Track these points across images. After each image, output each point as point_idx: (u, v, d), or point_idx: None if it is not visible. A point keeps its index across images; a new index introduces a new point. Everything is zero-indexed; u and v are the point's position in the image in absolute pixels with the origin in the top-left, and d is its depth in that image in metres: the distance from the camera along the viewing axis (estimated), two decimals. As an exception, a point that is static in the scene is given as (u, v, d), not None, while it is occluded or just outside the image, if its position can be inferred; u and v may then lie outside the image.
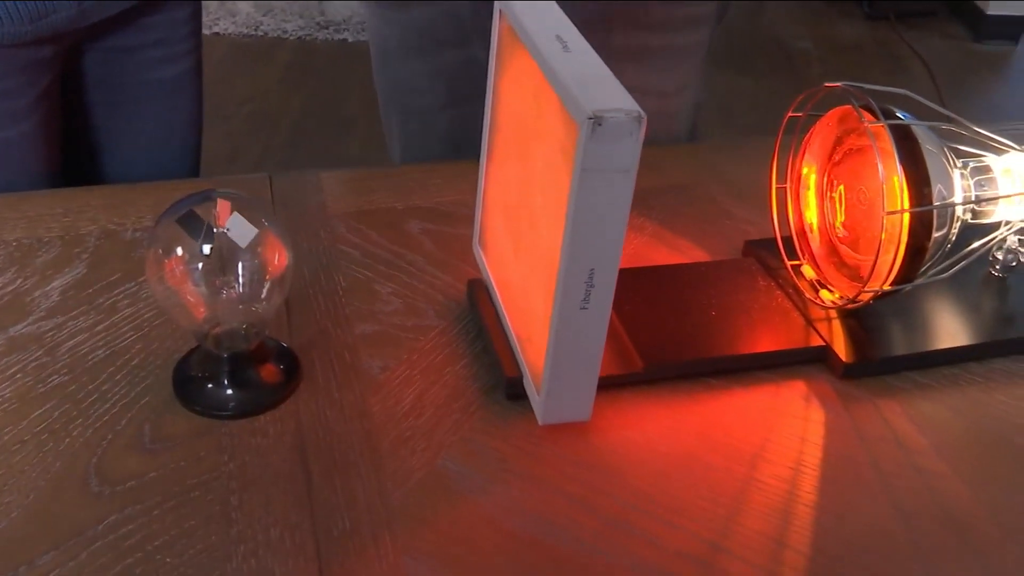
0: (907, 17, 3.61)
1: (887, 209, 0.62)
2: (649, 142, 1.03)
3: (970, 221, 0.68)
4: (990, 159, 0.70)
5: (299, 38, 2.99)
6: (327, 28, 3.01)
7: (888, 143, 0.62)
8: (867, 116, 0.64)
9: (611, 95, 0.50)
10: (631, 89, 1.07)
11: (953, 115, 0.69)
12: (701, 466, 0.60)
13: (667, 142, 1.02)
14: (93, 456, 0.58)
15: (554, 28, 0.57)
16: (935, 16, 3.71)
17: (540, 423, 0.60)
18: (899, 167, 0.61)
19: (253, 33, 2.99)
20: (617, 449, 0.61)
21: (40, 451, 0.58)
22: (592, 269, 0.53)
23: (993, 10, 3.51)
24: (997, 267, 0.75)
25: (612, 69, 1.03)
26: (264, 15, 3.02)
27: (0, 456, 0.57)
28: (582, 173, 0.50)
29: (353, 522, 0.55)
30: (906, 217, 0.62)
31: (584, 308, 0.55)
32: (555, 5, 0.61)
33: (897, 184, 0.62)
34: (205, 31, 2.98)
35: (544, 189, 0.57)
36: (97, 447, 0.58)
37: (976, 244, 0.69)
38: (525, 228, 0.61)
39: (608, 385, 0.64)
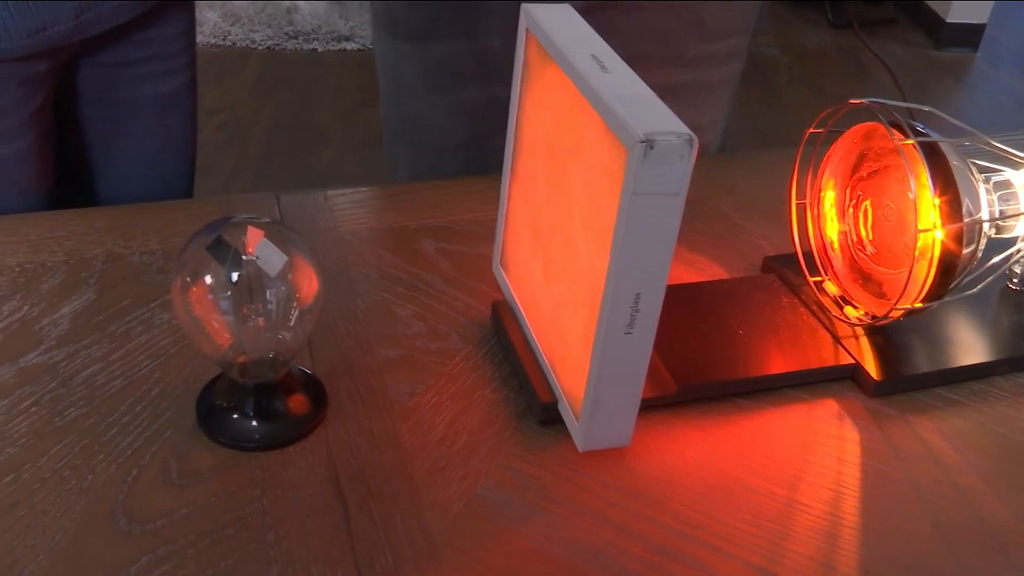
0: (870, 25, 3.66)
1: (920, 227, 0.61)
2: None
3: (993, 236, 0.68)
4: (1008, 173, 0.70)
5: (268, 48, 2.96)
6: (296, 38, 2.98)
7: (917, 160, 0.62)
8: (896, 133, 0.63)
9: (660, 117, 0.49)
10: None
11: (974, 130, 0.69)
12: (742, 489, 0.59)
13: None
14: (119, 493, 0.55)
15: (588, 48, 0.57)
16: (896, 23, 3.76)
17: (580, 449, 0.59)
18: (931, 184, 0.61)
19: (221, 43, 2.95)
20: (657, 474, 0.60)
21: (63, 489, 0.55)
22: (638, 294, 0.52)
23: (953, 18, 3.57)
24: (1015, 280, 0.75)
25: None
26: (232, 24, 2.99)
27: (21, 495, 0.55)
28: (632, 197, 0.49)
29: (396, 557, 0.53)
30: (938, 234, 0.62)
31: (629, 333, 0.54)
32: (583, 22, 0.60)
33: (928, 201, 0.61)
34: (171, 41, 2.95)
35: (584, 212, 0.56)
36: (123, 483, 0.56)
37: (998, 259, 0.69)
38: (558, 250, 0.60)
39: (642, 408, 0.63)
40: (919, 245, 0.62)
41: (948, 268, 0.63)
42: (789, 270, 0.74)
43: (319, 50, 2.98)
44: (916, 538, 0.57)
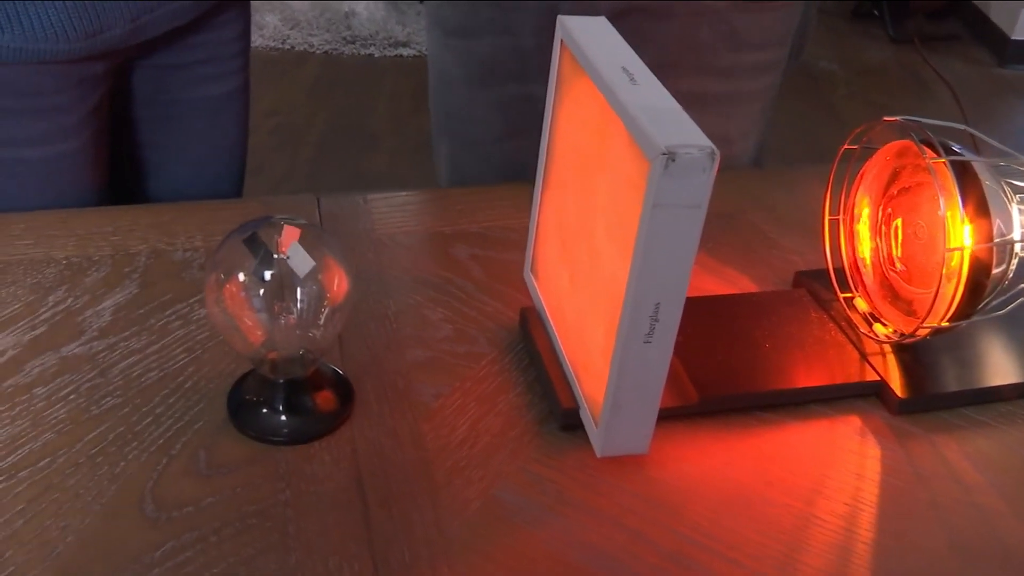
0: (931, 40, 3.61)
1: (949, 245, 0.61)
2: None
3: (1026, 257, 0.67)
4: (1045, 194, 0.70)
5: (326, 52, 3.01)
6: (353, 43, 3.02)
7: (948, 178, 0.62)
8: (928, 152, 0.63)
9: (683, 130, 0.50)
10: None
11: (1010, 151, 0.68)
12: (758, 501, 0.59)
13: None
14: (148, 480, 0.57)
15: (619, 60, 0.57)
16: (959, 40, 3.70)
17: (598, 455, 0.59)
18: (960, 203, 0.61)
19: (280, 47, 3.01)
20: (673, 482, 0.60)
21: (95, 474, 0.58)
22: (658, 304, 0.53)
23: (1018, 34, 3.51)
24: (1051, 303, 0.74)
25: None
26: (291, 28, 3.04)
27: (55, 479, 0.57)
28: (653, 209, 0.50)
29: (412, 553, 0.54)
30: (967, 253, 0.61)
31: (648, 342, 0.54)
32: (617, 34, 0.61)
33: (958, 220, 0.61)
34: (232, 44, 3.01)
35: (608, 221, 0.56)
36: (152, 471, 0.58)
37: (1033, 280, 0.69)
38: (584, 259, 0.61)
39: (663, 417, 0.64)
40: (948, 264, 0.62)
41: (977, 288, 0.63)
42: (820, 286, 0.74)
43: (375, 55, 3.02)
44: (931, 556, 0.57)
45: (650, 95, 0.54)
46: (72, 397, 0.63)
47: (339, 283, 0.60)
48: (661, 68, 0.93)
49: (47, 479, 0.57)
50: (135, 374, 0.65)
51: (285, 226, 0.59)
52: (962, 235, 0.61)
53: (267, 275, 0.58)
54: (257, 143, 2.66)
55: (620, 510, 0.58)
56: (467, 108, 1.01)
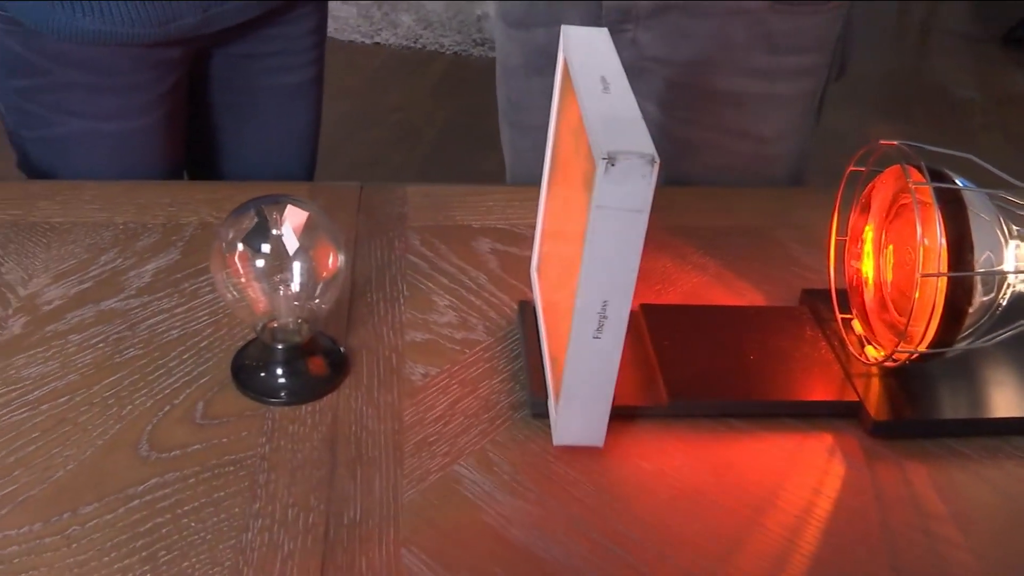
0: (1087, 73, 3.42)
1: (923, 271, 0.62)
2: (742, 184, 1.04)
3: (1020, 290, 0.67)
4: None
5: (455, 53, 3.09)
6: (483, 45, 3.10)
7: (930, 204, 0.62)
8: (915, 176, 0.64)
9: (631, 137, 0.53)
10: (728, 132, 1.08)
11: (1018, 183, 0.67)
12: (707, 503, 0.61)
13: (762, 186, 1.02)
14: (148, 424, 0.64)
15: (601, 69, 0.60)
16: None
17: (554, 443, 0.63)
18: (939, 229, 0.61)
19: (412, 45, 3.11)
20: (628, 477, 0.63)
21: (104, 414, 0.64)
22: (605, 301, 0.56)
23: None
24: (1061, 341, 0.72)
25: (711, 112, 1.05)
26: (424, 28, 3.14)
27: (70, 414, 0.64)
28: (595, 210, 0.53)
29: (364, 512, 0.59)
30: (943, 281, 0.62)
31: (597, 338, 0.57)
32: (611, 46, 0.64)
33: (935, 248, 0.61)
34: (366, 40, 3.13)
35: (577, 222, 0.59)
36: (154, 416, 0.64)
37: (1032, 316, 0.68)
38: (565, 257, 0.64)
39: (632, 415, 0.66)
40: (922, 290, 0.62)
41: (955, 316, 0.63)
42: (823, 304, 0.75)
43: (503, 59, 3.08)
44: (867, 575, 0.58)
45: (616, 104, 0.57)
46: (100, 345, 0.70)
47: (332, 259, 0.65)
48: (697, 65, 0.96)
49: (63, 414, 0.64)
50: (159, 330, 0.72)
51: (288, 205, 0.64)
52: (938, 262, 0.61)
53: (264, 248, 0.63)
54: (379, 136, 2.76)
55: (568, 498, 0.61)
56: (526, 96, 1.06)
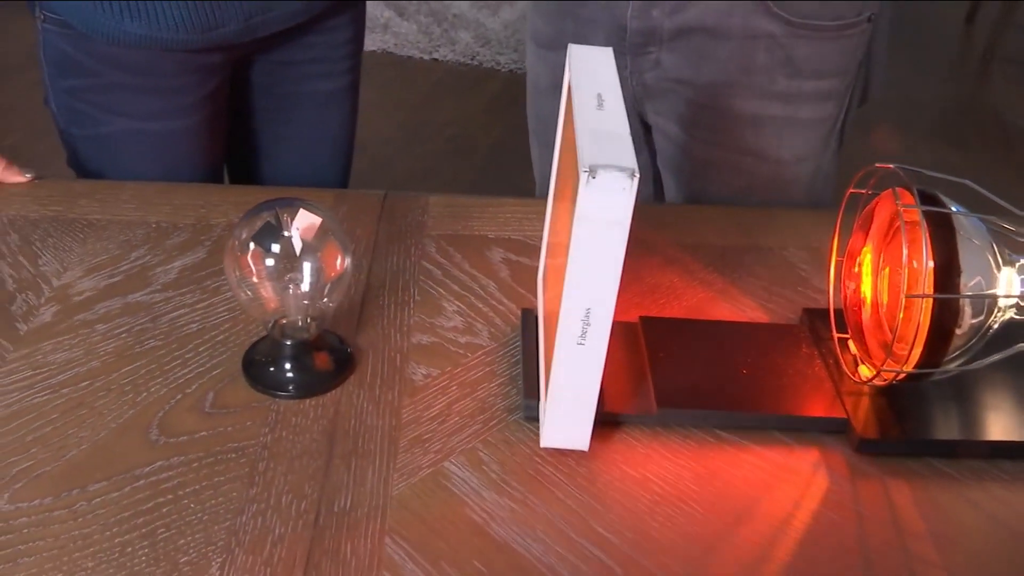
0: None
1: (908, 291, 0.63)
2: (761, 205, 1.05)
3: (1017, 318, 0.67)
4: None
5: (511, 71, 3.13)
6: (538, 64, 3.14)
7: (917, 227, 0.63)
8: (906, 199, 0.65)
9: (615, 151, 0.55)
10: (747, 153, 1.10)
11: (1017, 211, 0.68)
12: (685, 511, 0.63)
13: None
14: (160, 411, 0.68)
15: (599, 87, 0.63)
16: None
17: (541, 445, 0.65)
18: (925, 252, 0.62)
19: (469, 63, 3.16)
20: (612, 482, 0.65)
21: (120, 399, 0.68)
22: (588, 309, 0.58)
23: None
24: (1058, 369, 0.73)
25: (732, 133, 1.06)
26: (482, 46, 3.19)
27: (89, 398, 0.68)
28: (577, 221, 0.55)
29: (354, 501, 0.62)
30: (928, 302, 0.63)
31: (581, 344, 0.59)
32: (613, 65, 0.66)
33: (921, 270, 0.62)
34: (424, 56, 3.19)
35: (567, 233, 0.62)
36: (166, 404, 0.68)
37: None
38: (560, 267, 0.66)
39: (622, 422, 0.68)
40: (907, 311, 0.63)
41: (941, 338, 0.64)
42: (821, 323, 0.76)
43: (558, 77, 3.12)
44: (841, 588, 0.59)
45: (607, 120, 0.59)
46: (123, 335, 0.74)
47: (339, 261, 0.68)
48: (719, 87, 0.98)
49: (81, 398, 0.68)
50: (179, 324, 0.76)
51: (300, 209, 0.68)
52: (923, 283, 0.62)
53: (274, 248, 0.67)
54: (432, 149, 2.81)
55: (551, 498, 0.63)
56: (553, 115, 1.08)
